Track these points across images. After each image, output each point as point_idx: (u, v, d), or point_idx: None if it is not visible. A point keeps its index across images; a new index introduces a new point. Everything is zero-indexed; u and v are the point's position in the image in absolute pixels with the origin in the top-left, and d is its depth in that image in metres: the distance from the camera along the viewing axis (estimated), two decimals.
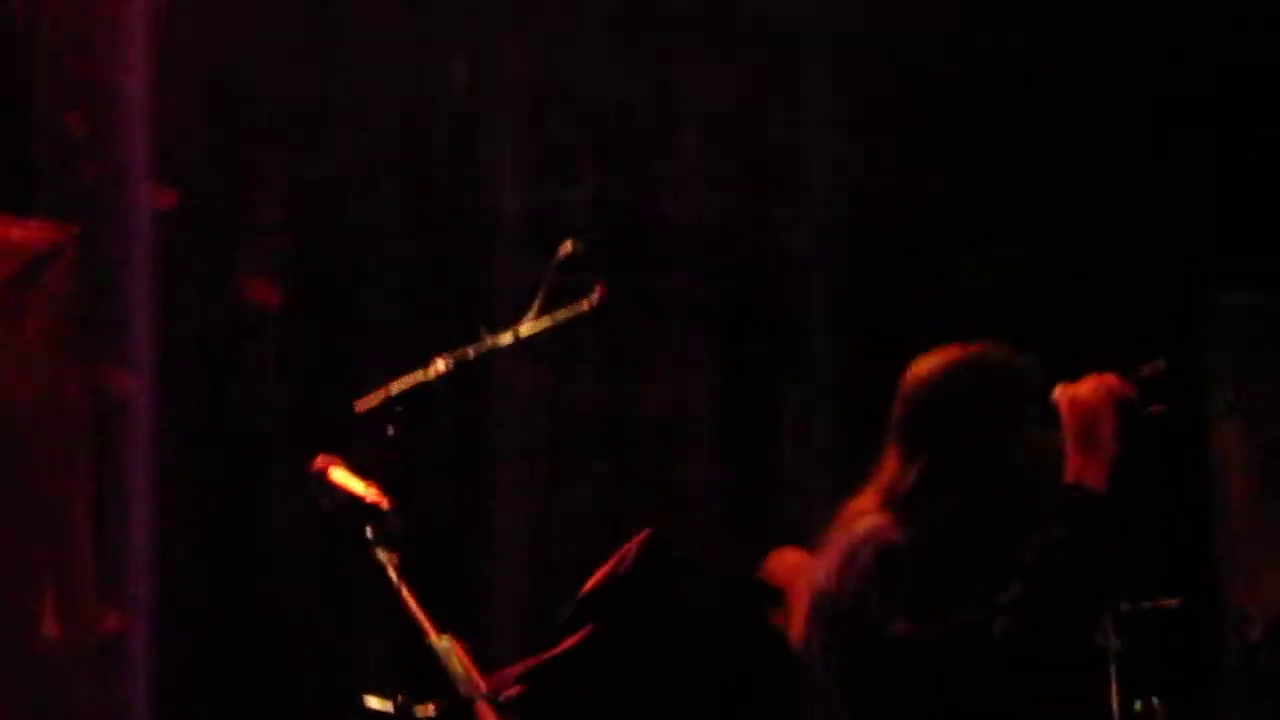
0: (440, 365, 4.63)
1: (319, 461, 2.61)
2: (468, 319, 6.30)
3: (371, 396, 4.63)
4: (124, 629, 5.66)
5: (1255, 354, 7.05)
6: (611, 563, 4.37)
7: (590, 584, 4.37)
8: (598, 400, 6.83)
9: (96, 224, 5.81)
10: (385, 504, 2.49)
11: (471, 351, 4.97)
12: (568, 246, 5.11)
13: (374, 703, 2.58)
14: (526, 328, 5.09)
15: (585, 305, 5.42)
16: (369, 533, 2.45)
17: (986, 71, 6.99)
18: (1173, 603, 6.53)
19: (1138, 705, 5.89)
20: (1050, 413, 3.41)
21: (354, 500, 2.51)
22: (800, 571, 4.37)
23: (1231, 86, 7.02)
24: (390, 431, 4.58)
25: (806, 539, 6.10)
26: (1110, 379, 3.40)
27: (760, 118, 7.04)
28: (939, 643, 3.19)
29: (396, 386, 4.59)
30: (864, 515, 3.38)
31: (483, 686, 2.27)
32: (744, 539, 6.36)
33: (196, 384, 6.06)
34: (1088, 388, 3.38)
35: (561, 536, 6.57)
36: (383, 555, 2.44)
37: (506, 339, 4.95)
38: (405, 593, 2.39)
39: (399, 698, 2.40)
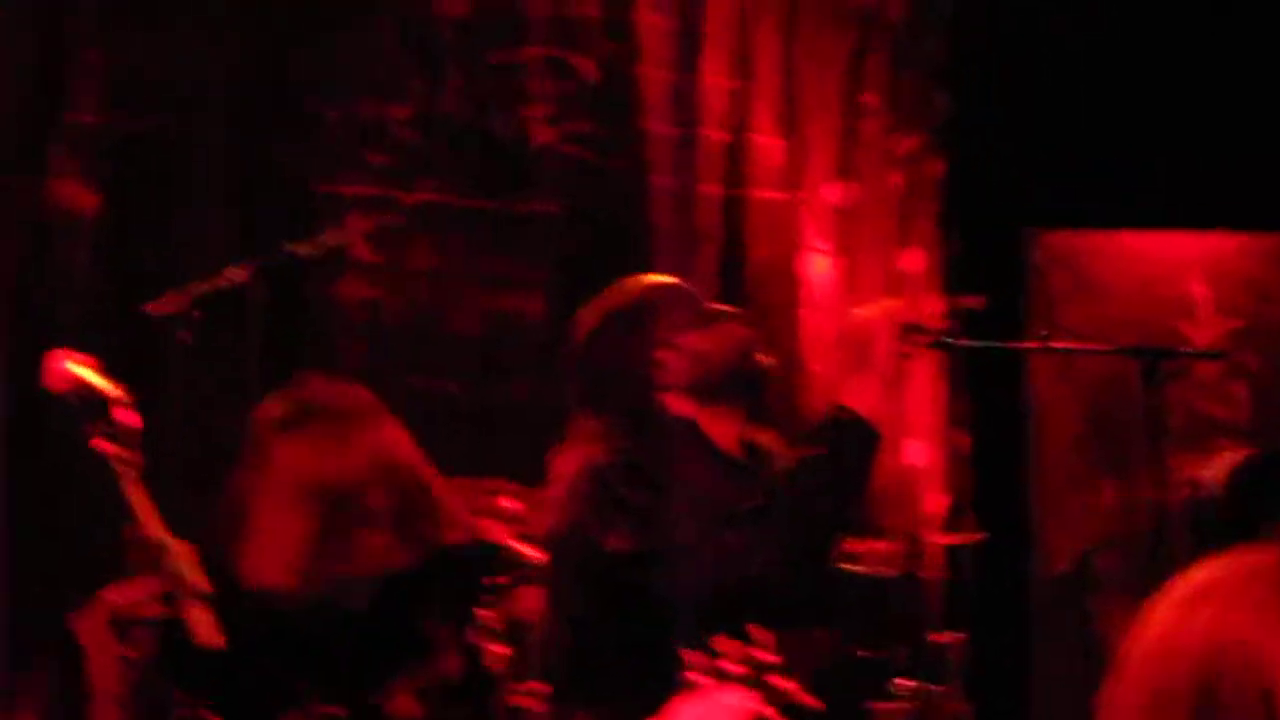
0: (238, 274, 4.58)
1: (58, 353, 2.56)
2: (287, 231, 6.26)
3: (165, 300, 4.57)
4: None
5: (1072, 292, 7.11)
6: None
7: None
8: (420, 317, 6.77)
9: None
10: (119, 396, 2.44)
11: (277, 258, 4.92)
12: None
13: None
14: (335, 237, 5.06)
15: (397, 218, 5.40)
16: (103, 425, 2.40)
17: None
18: (974, 537, 6.61)
19: (938, 637, 5.95)
20: (707, 313, 3.53)
21: (89, 390, 2.46)
22: None
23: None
24: (186, 339, 4.53)
25: None
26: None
27: (587, 38, 6.99)
28: (650, 556, 3.22)
29: (191, 292, 4.54)
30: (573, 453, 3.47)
31: (203, 587, 2.22)
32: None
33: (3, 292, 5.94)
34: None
35: None
36: (113, 449, 2.38)
37: (306, 249, 4.91)
38: (129, 489, 2.34)
39: (115, 598, 2.37)
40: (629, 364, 3.49)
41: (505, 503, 5.61)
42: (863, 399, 3.31)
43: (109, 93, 6.20)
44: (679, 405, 3.51)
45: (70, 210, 6.10)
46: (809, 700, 2.85)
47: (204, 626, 2.19)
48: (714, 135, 7.17)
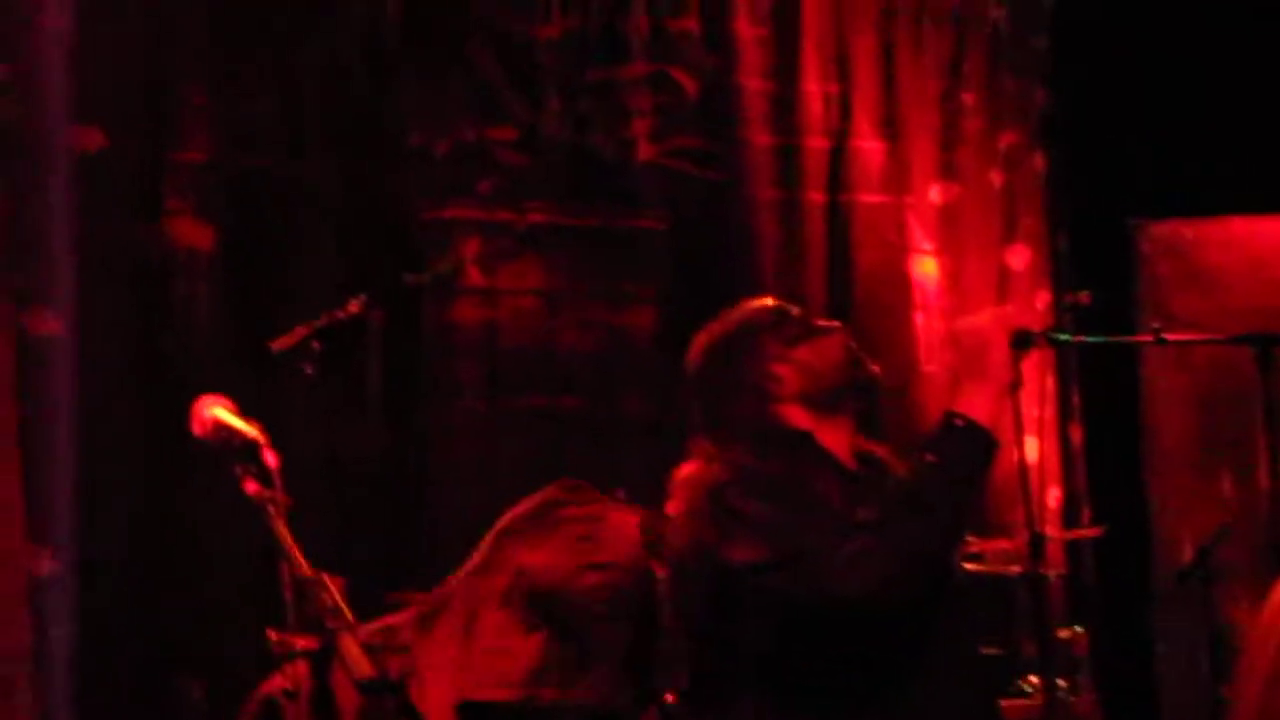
0: (354, 305, 4.67)
1: (203, 400, 2.62)
2: (398, 258, 6.35)
3: (288, 336, 4.67)
4: (53, 571, 5.65)
5: (1182, 281, 7.09)
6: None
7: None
8: (534, 336, 6.83)
9: (17, 164, 5.77)
10: (262, 440, 2.50)
11: (392, 287, 5.02)
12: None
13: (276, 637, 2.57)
14: (444, 266, 5.14)
15: (506, 242, 5.48)
16: (247, 467, 2.46)
17: None
18: (1094, 532, 6.61)
19: (1063, 632, 5.96)
20: (814, 329, 3.56)
21: (233, 434, 2.52)
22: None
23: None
24: (308, 370, 4.63)
25: None
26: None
27: (687, 52, 7.04)
28: (777, 564, 3.27)
29: (312, 326, 4.63)
30: (692, 472, 3.52)
31: (350, 620, 2.28)
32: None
33: (122, 324, 6.04)
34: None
35: (498, 475, 6.60)
36: (259, 490, 2.45)
37: (419, 277, 4.99)
38: (279, 527, 2.40)
39: (274, 634, 2.41)
40: (743, 382, 3.54)
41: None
42: (977, 405, 3.34)
43: (219, 132, 6.30)
44: (794, 418, 3.57)
45: (187, 248, 6.20)
46: None
47: (356, 658, 2.24)
48: (816, 142, 7.21)
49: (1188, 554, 6.46)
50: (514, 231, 5.94)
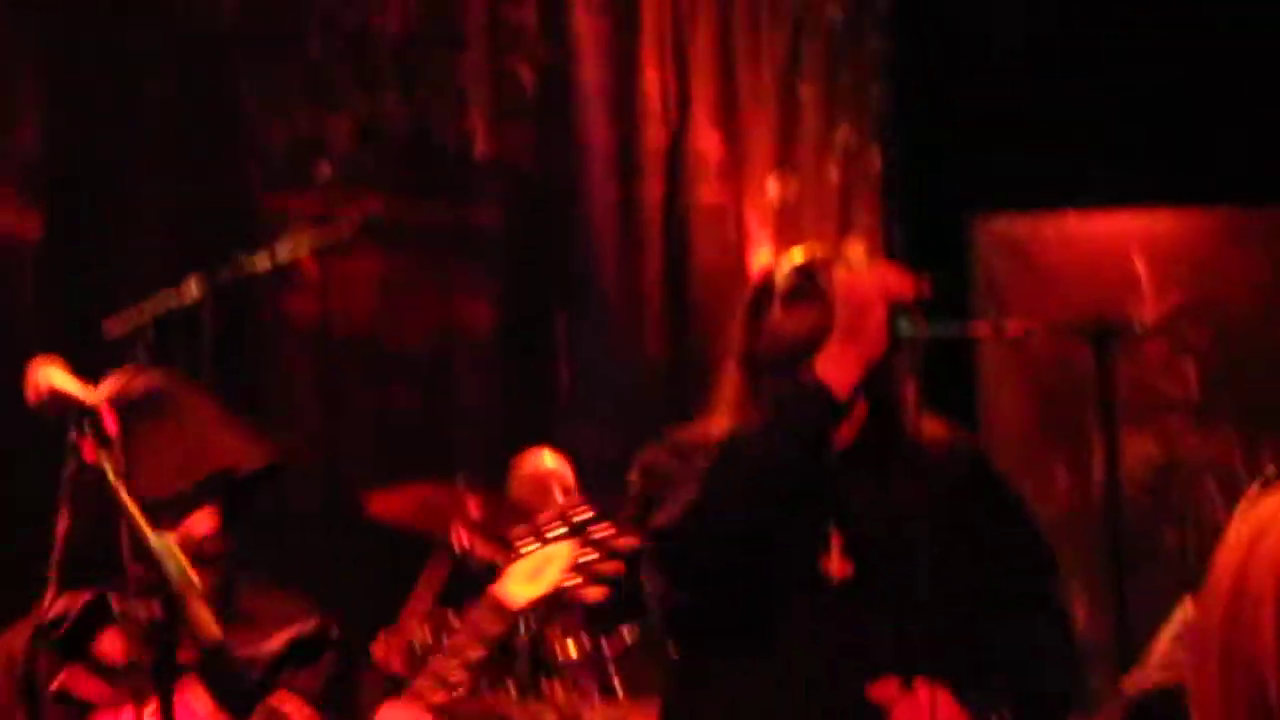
0: (193, 289, 4.57)
1: (36, 362, 2.51)
2: (232, 247, 6.23)
3: (123, 320, 4.56)
4: None
5: (1016, 277, 7.14)
6: None
7: None
8: (368, 329, 6.75)
9: None
10: (102, 405, 2.40)
11: (228, 275, 4.92)
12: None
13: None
14: (283, 252, 5.05)
15: (345, 231, 5.39)
16: (85, 432, 2.37)
17: None
18: None
19: None
20: (802, 291, 3.35)
21: (69, 400, 2.42)
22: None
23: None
24: (142, 356, 4.52)
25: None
26: (891, 272, 3.29)
27: (525, 44, 6.99)
28: (668, 527, 3.27)
29: (148, 310, 4.53)
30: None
31: (197, 584, 2.21)
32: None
33: None
34: (864, 275, 3.29)
35: (328, 469, 6.54)
36: (100, 456, 2.35)
37: (263, 263, 4.89)
38: (122, 493, 2.31)
39: (116, 599, 2.33)
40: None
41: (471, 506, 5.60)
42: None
43: (47, 119, 6.16)
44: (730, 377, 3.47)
45: (11, 236, 6.06)
46: None
47: (204, 620, 2.18)
48: (653, 137, 7.16)
49: None
50: (350, 223, 5.84)
